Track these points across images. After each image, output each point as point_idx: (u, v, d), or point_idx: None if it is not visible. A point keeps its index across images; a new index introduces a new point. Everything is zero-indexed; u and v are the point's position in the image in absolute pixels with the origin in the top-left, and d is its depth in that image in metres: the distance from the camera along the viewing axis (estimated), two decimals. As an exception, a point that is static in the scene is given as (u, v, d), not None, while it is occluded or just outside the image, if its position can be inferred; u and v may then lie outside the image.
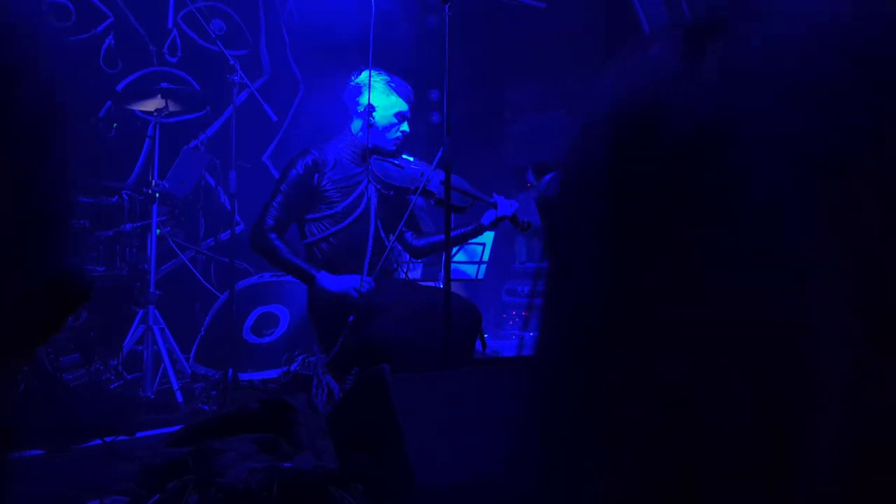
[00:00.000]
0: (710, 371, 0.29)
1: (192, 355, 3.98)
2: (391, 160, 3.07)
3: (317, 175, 2.95)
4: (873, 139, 0.28)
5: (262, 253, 2.98)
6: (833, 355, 0.27)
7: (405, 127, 3.10)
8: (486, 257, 4.11)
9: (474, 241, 4.07)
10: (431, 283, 3.74)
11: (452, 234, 3.01)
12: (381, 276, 3.02)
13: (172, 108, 3.88)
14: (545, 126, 6.43)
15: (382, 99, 3.05)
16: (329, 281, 2.90)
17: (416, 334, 2.65)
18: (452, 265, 2.70)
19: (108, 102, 4.38)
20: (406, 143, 3.17)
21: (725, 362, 0.29)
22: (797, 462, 0.28)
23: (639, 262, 0.32)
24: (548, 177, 5.84)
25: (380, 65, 3.10)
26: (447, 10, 2.46)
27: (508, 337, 5.81)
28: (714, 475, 0.29)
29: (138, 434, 2.93)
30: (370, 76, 3.03)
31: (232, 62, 3.52)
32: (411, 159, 3.11)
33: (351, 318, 2.85)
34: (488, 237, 4.09)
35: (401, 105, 3.07)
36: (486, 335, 3.12)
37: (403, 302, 2.88)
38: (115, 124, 4.32)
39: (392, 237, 3.04)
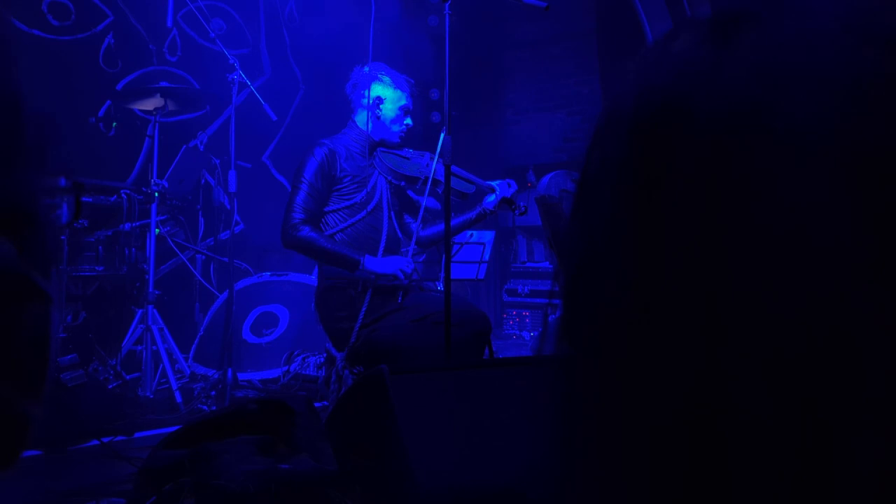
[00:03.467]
0: (736, 377, 0.28)
1: (191, 355, 3.98)
2: (397, 152, 3.10)
3: (333, 165, 2.95)
4: None
5: (298, 248, 2.93)
6: (872, 365, 0.26)
7: (409, 121, 3.13)
8: (486, 257, 4.10)
9: (474, 241, 4.06)
10: (431, 283, 3.74)
11: (458, 220, 3.07)
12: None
13: (172, 107, 3.87)
14: (546, 126, 6.43)
15: (389, 92, 3.07)
16: (376, 264, 2.89)
17: (425, 339, 2.65)
18: (453, 264, 2.69)
19: (108, 101, 4.37)
20: (407, 139, 3.19)
21: (755, 369, 0.28)
22: (829, 470, 0.27)
23: (663, 261, 0.31)
24: (547, 177, 5.84)
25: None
26: (447, 10, 2.45)
27: (508, 337, 5.81)
28: (738, 479, 0.28)
29: (137, 434, 2.93)
30: (377, 69, 3.04)
31: (232, 61, 3.51)
32: (413, 151, 3.15)
33: (364, 306, 2.85)
34: (488, 237, 4.08)
35: (405, 99, 3.10)
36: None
37: (415, 305, 2.87)
38: (114, 123, 4.32)
39: (415, 224, 3.05)
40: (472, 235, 4.07)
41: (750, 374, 0.28)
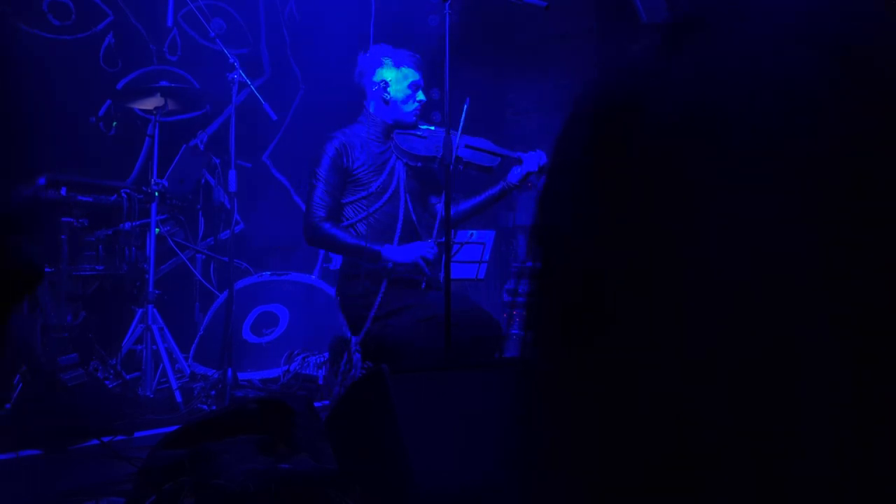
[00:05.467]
0: (695, 371, 0.29)
1: (191, 355, 3.97)
2: (413, 132, 3.07)
3: (346, 157, 2.95)
4: (851, 137, 0.28)
5: (320, 245, 3.00)
6: (814, 372, 0.27)
7: (421, 96, 3.10)
8: (486, 257, 4.10)
9: (475, 240, 4.06)
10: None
11: (480, 198, 3.07)
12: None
13: (172, 106, 3.87)
14: (547, 126, 6.43)
15: (394, 72, 3.05)
16: (396, 253, 2.88)
17: (435, 339, 2.64)
18: (453, 264, 2.68)
19: (108, 101, 4.37)
20: (424, 113, 3.16)
21: (709, 361, 0.28)
22: (787, 477, 0.27)
23: (620, 255, 0.31)
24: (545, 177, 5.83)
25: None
26: (447, 10, 2.45)
27: (508, 337, 5.81)
28: (702, 469, 0.29)
29: (137, 434, 2.93)
30: (378, 53, 3.04)
31: (232, 60, 3.50)
32: (432, 128, 3.10)
33: (381, 291, 2.83)
34: (488, 237, 4.08)
35: (413, 75, 3.07)
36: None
37: (428, 304, 2.87)
38: (114, 123, 4.32)
39: (439, 204, 3.01)
40: (472, 235, 4.07)
41: (707, 367, 0.28)
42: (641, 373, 0.30)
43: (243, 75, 3.50)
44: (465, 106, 2.52)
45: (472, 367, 1.95)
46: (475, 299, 3.21)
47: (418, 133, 3.06)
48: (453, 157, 2.74)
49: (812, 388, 0.27)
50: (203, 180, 4.47)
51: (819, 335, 0.27)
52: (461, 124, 2.75)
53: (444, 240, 3.19)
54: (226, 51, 3.57)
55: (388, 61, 3.05)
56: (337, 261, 3.93)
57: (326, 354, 3.22)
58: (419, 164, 3.06)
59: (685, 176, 0.30)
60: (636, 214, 0.31)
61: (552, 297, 0.35)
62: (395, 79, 3.04)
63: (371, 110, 3.07)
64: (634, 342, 0.30)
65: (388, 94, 3.03)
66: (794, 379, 0.27)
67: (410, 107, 3.07)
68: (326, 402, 3.20)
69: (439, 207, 3.10)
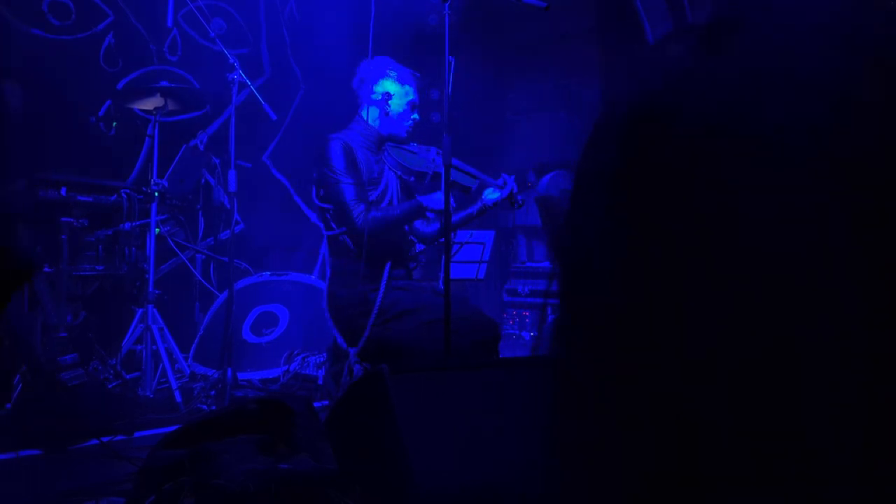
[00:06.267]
0: (722, 374, 0.29)
1: (191, 355, 3.97)
2: (405, 147, 3.10)
3: (354, 154, 2.95)
4: (889, 136, 0.28)
5: (377, 232, 2.91)
6: (842, 359, 0.27)
7: (415, 115, 3.13)
8: (486, 257, 4.10)
9: (474, 240, 4.06)
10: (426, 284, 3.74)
11: (458, 216, 3.09)
12: (408, 278, 3.05)
13: (172, 106, 3.87)
14: (546, 127, 6.43)
15: (396, 87, 3.06)
16: (430, 200, 2.94)
17: (434, 341, 2.64)
18: (452, 264, 2.69)
19: (108, 101, 4.37)
20: (413, 134, 3.19)
21: (734, 366, 0.28)
22: (802, 458, 0.27)
23: (656, 260, 0.31)
24: (547, 177, 5.84)
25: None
26: (447, 10, 2.45)
27: (508, 337, 5.81)
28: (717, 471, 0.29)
29: (137, 434, 2.93)
30: (384, 64, 3.04)
31: (232, 61, 3.51)
32: (418, 145, 3.14)
33: (378, 300, 2.84)
34: (488, 237, 4.08)
35: (412, 94, 3.10)
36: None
37: (426, 307, 2.87)
38: (114, 123, 4.32)
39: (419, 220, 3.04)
40: (471, 235, 4.07)
41: (733, 370, 0.29)
42: (678, 373, 0.30)
43: (243, 75, 3.50)
44: (444, 137, 2.55)
45: (471, 367, 1.95)
46: (475, 299, 3.22)
47: (410, 149, 3.10)
48: (442, 173, 2.80)
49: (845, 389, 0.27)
50: (203, 180, 4.47)
51: (855, 333, 0.27)
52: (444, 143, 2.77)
53: (423, 259, 3.23)
54: (226, 51, 3.57)
55: (392, 74, 3.05)
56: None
57: (326, 355, 3.22)
58: (412, 179, 3.09)
59: (724, 177, 0.30)
60: (673, 216, 0.31)
61: (589, 300, 0.35)
62: (398, 94, 3.05)
63: (367, 119, 3.07)
64: (674, 345, 0.30)
65: (390, 106, 3.04)
66: (829, 375, 0.27)
67: (406, 123, 3.09)
68: (326, 402, 3.20)
69: (417, 223, 3.13)
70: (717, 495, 0.29)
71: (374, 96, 3.04)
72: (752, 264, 0.28)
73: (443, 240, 3.20)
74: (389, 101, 3.03)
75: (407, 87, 3.07)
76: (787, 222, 0.28)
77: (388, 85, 3.04)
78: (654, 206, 0.31)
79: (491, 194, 3.07)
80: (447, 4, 2.45)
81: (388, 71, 3.05)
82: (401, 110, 3.06)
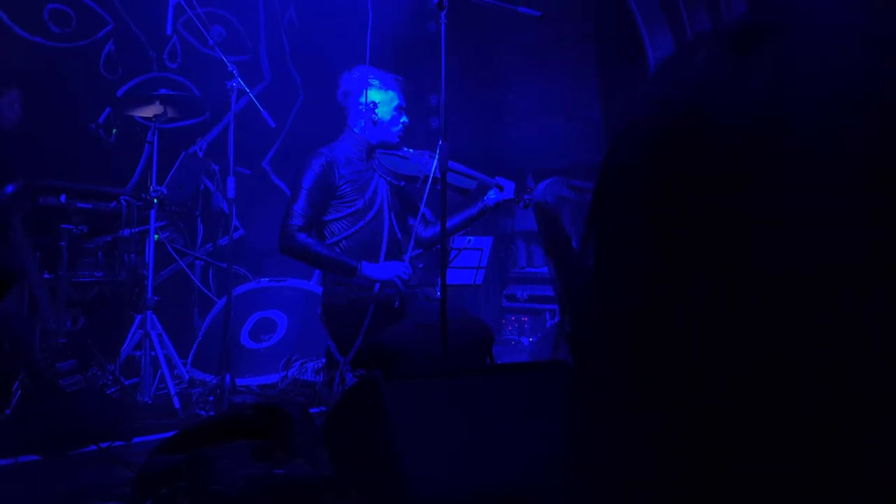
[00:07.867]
0: (754, 386, 0.28)
1: (189, 361, 3.98)
2: (396, 152, 3.10)
3: (333, 173, 2.96)
4: None
5: (294, 254, 2.92)
6: (883, 379, 0.26)
7: (405, 118, 3.14)
8: (483, 262, 4.11)
9: (472, 246, 4.07)
10: (430, 291, 3.74)
11: (458, 218, 3.07)
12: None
13: (172, 113, 3.89)
14: (545, 131, 6.44)
15: (381, 94, 3.08)
16: (373, 269, 2.90)
17: (428, 345, 2.66)
18: (450, 270, 2.70)
19: (108, 108, 4.39)
20: (405, 137, 3.19)
21: (771, 381, 0.28)
22: (830, 472, 0.27)
23: (683, 273, 0.30)
24: (542, 184, 5.85)
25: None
26: (443, 18, 2.47)
27: (507, 342, 5.81)
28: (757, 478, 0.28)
29: (135, 439, 2.93)
30: (365, 74, 3.05)
31: (231, 68, 3.52)
32: (411, 150, 3.14)
33: (370, 310, 2.85)
34: (486, 243, 4.09)
35: (397, 98, 3.11)
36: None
37: (420, 313, 2.88)
38: (114, 130, 4.33)
39: (416, 224, 3.05)
40: (469, 241, 4.08)
41: (770, 386, 0.28)
42: (706, 385, 0.30)
43: (242, 83, 3.52)
44: (439, 142, 2.55)
45: (469, 372, 1.96)
46: (474, 304, 3.22)
47: (401, 154, 3.10)
48: (431, 177, 2.82)
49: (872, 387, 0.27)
50: (202, 187, 4.48)
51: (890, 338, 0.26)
52: (438, 148, 2.77)
53: (422, 264, 3.22)
54: (225, 58, 3.59)
55: (375, 82, 3.07)
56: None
57: (324, 360, 3.23)
58: (402, 184, 3.10)
59: (759, 188, 0.29)
60: (708, 232, 0.30)
61: (609, 306, 0.34)
62: (384, 100, 3.07)
63: (356, 130, 3.08)
64: (705, 349, 0.30)
65: (377, 115, 3.06)
66: (861, 382, 0.27)
67: (395, 128, 3.10)
68: (324, 407, 3.20)
69: (419, 228, 3.14)
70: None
71: (360, 107, 3.06)
72: (803, 266, 0.28)
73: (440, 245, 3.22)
74: (376, 110, 3.05)
75: (391, 93, 3.08)
76: (831, 229, 0.28)
77: (373, 94, 3.05)
78: (690, 215, 0.31)
79: (492, 195, 3.08)
80: (443, 14, 2.47)
81: (370, 80, 3.05)
82: (388, 117, 3.08)
